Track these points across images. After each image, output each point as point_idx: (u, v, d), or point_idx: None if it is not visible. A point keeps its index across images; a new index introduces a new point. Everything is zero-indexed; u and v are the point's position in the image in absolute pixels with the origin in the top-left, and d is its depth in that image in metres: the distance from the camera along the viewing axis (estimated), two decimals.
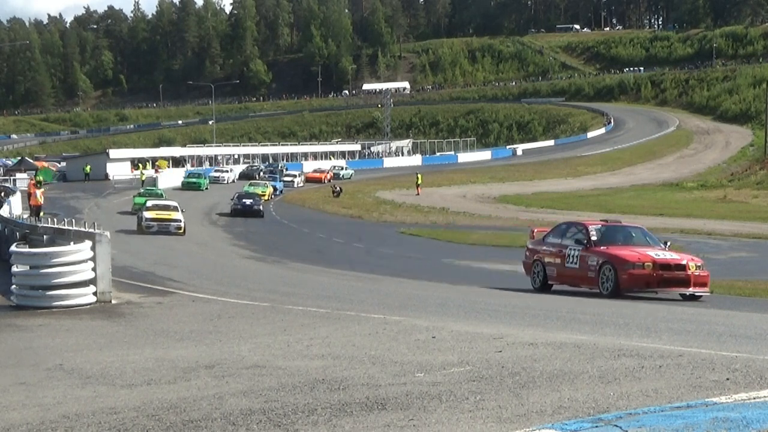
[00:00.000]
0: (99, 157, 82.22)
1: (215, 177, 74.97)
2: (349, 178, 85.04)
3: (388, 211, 55.78)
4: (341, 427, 5.73)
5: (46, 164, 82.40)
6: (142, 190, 52.48)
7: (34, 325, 13.28)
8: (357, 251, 34.98)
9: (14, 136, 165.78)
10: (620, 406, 5.80)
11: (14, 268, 15.91)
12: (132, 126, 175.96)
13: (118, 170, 74.64)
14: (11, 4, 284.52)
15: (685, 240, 40.01)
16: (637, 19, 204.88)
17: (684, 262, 17.66)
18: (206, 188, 67.11)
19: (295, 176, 77.77)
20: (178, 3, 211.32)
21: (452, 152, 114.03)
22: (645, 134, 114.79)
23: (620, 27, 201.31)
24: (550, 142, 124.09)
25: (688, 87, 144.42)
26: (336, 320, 12.52)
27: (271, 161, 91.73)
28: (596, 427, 5.02)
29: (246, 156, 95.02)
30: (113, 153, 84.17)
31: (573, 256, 18.51)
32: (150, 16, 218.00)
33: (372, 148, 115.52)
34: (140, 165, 75.15)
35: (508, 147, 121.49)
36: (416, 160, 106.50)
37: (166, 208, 39.44)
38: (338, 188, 66.13)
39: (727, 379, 6.64)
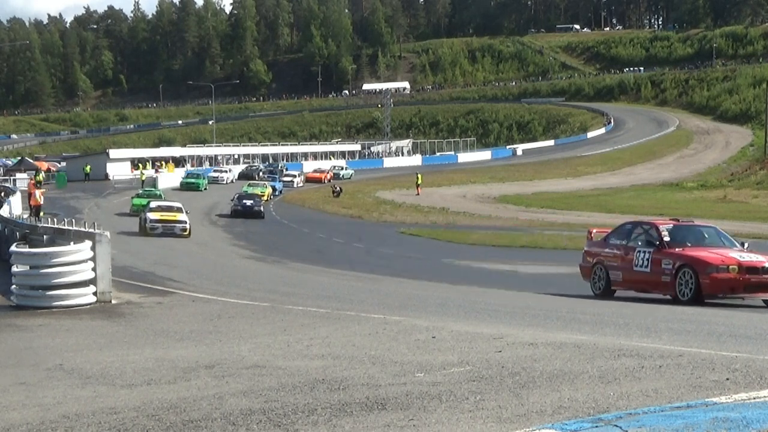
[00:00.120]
0: (99, 157, 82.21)
1: (214, 177, 74.74)
2: (349, 178, 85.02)
3: (388, 211, 55.78)
4: (341, 427, 5.73)
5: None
6: (140, 191, 51.97)
7: (34, 325, 13.29)
8: (357, 251, 34.98)
9: (14, 136, 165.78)
10: (620, 406, 5.80)
11: (14, 268, 15.92)
12: (132, 126, 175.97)
13: (118, 170, 74.61)
14: (11, 4, 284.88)
15: None
16: (637, 19, 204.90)
17: None
18: (205, 188, 66.75)
19: (294, 176, 77.54)
20: (178, 3, 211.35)
21: (452, 152, 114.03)
22: (645, 134, 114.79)
23: (620, 27, 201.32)
24: (550, 142, 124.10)
25: (688, 87, 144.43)
26: (336, 320, 12.52)
27: (271, 161, 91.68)
28: (596, 427, 5.02)
29: (246, 156, 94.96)
30: (113, 153, 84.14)
31: (642, 259, 16.86)
32: (150, 16, 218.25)
33: (372, 148, 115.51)
34: (140, 165, 75.08)
35: (508, 147, 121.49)
36: (416, 160, 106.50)
37: (170, 209, 38.71)
38: (338, 188, 66.08)
39: (727, 379, 6.64)
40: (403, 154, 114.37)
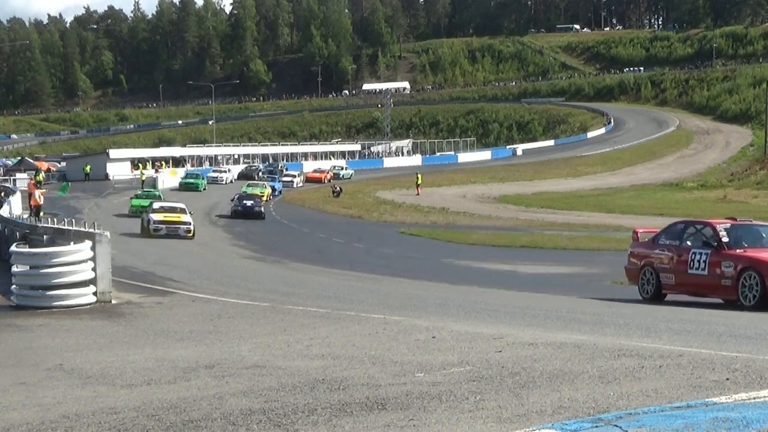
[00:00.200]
0: (99, 157, 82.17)
1: (213, 177, 74.48)
2: (349, 178, 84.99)
3: (388, 211, 55.76)
4: (341, 427, 5.73)
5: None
6: (139, 192, 51.33)
7: (34, 325, 13.29)
8: (357, 251, 34.97)
9: (14, 136, 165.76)
10: (620, 406, 5.80)
11: (14, 268, 15.93)
12: (132, 126, 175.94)
13: (118, 170, 74.59)
14: (11, 4, 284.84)
15: None
16: (637, 19, 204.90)
17: None
18: (204, 189, 66.39)
19: (294, 176, 77.36)
20: (178, 3, 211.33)
21: (452, 152, 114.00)
22: (645, 134, 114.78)
23: (620, 27, 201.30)
24: (550, 142, 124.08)
25: (688, 87, 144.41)
26: (336, 320, 12.53)
27: (271, 161, 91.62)
28: (596, 427, 5.02)
29: (246, 156, 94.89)
30: (113, 153, 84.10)
31: (699, 261, 15.85)
32: (150, 16, 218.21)
33: (372, 148, 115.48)
34: (140, 165, 75.02)
35: (508, 147, 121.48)
36: (416, 160, 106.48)
37: (174, 210, 38.03)
38: (338, 188, 66.03)
39: (727, 379, 6.64)
40: (403, 154, 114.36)
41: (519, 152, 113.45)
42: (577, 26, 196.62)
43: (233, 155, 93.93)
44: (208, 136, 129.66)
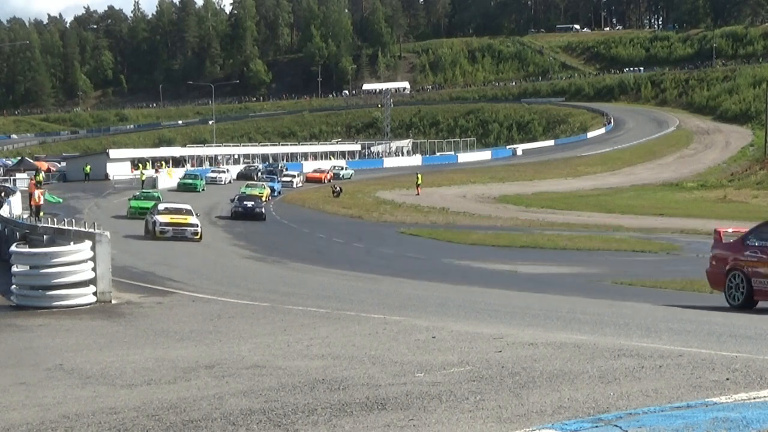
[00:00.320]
0: (99, 157, 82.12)
1: (212, 178, 73.88)
2: (349, 178, 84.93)
3: (388, 211, 55.75)
4: (341, 427, 5.73)
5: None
6: (137, 193, 49.84)
7: (34, 325, 13.29)
8: (357, 251, 34.97)
9: (14, 136, 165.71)
10: (620, 406, 5.80)
11: (14, 268, 15.93)
12: (132, 126, 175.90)
13: (118, 170, 74.52)
14: (11, 4, 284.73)
15: (685, 240, 40.04)
16: (637, 19, 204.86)
17: None
18: (203, 189, 65.75)
19: (294, 176, 77.10)
20: (178, 3, 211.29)
21: (452, 152, 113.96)
22: (645, 134, 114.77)
23: (620, 27, 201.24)
24: (550, 142, 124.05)
25: (688, 87, 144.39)
26: (336, 320, 12.53)
27: (271, 161, 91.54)
28: (596, 427, 5.02)
29: (246, 156, 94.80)
30: (113, 153, 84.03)
31: None
32: (150, 16, 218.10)
33: (372, 148, 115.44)
34: (140, 165, 74.94)
35: (508, 147, 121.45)
36: (416, 160, 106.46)
37: (180, 211, 36.95)
38: (338, 188, 65.94)
39: (727, 379, 6.64)
40: (403, 154, 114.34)
41: (519, 152, 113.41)
42: (577, 26, 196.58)
43: (233, 155, 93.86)
44: (208, 136, 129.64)
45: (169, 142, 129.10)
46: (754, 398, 5.74)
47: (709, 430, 4.82)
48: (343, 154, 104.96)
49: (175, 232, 35.18)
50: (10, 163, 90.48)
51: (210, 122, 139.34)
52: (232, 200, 49.70)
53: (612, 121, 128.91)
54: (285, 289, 19.96)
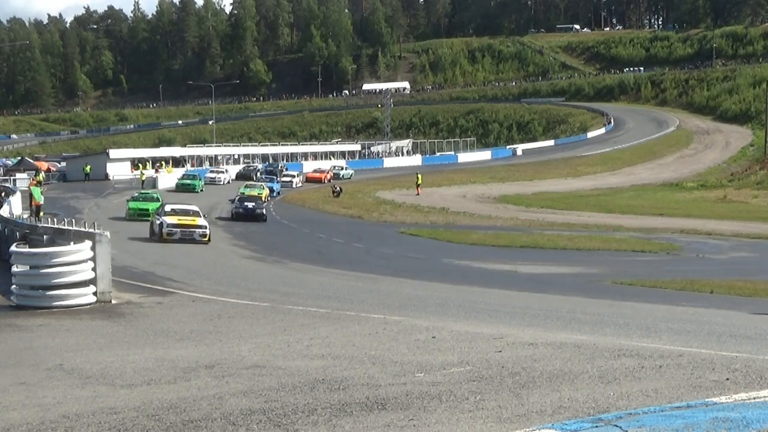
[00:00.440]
0: (99, 157, 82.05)
1: (211, 178, 73.41)
2: (349, 178, 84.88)
3: (388, 211, 55.73)
4: (341, 427, 5.73)
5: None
6: (136, 194, 48.35)
7: (34, 325, 13.29)
8: (357, 251, 34.96)
9: (14, 136, 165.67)
10: (620, 406, 5.80)
11: (14, 268, 15.93)
12: (132, 126, 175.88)
13: (118, 170, 74.46)
14: (11, 4, 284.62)
15: (685, 240, 40.06)
16: (637, 19, 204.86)
17: None
18: (201, 190, 65.21)
19: (293, 176, 76.89)
20: (178, 3, 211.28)
21: (452, 152, 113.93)
22: (645, 134, 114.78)
23: (620, 27, 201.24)
24: (550, 142, 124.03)
25: (688, 87, 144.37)
26: (336, 320, 12.53)
27: (271, 161, 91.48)
28: (596, 427, 5.02)
29: (246, 156, 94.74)
30: (113, 153, 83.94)
31: None
32: (150, 16, 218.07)
33: (372, 148, 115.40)
34: (140, 165, 74.88)
35: (508, 147, 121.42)
36: (416, 160, 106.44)
37: (187, 213, 35.93)
38: (338, 188, 65.87)
39: (727, 379, 6.64)
40: (403, 154, 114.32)
41: (519, 152, 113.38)
42: (577, 26, 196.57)
43: (233, 155, 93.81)
44: (208, 136, 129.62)
45: (169, 142, 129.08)
46: (754, 398, 5.74)
47: (709, 430, 4.82)
48: (343, 154, 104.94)
49: (183, 234, 33.99)
50: (10, 163, 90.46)
51: (210, 122, 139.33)
52: (232, 201, 49.29)
53: (612, 121, 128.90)
54: (285, 289, 19.96)
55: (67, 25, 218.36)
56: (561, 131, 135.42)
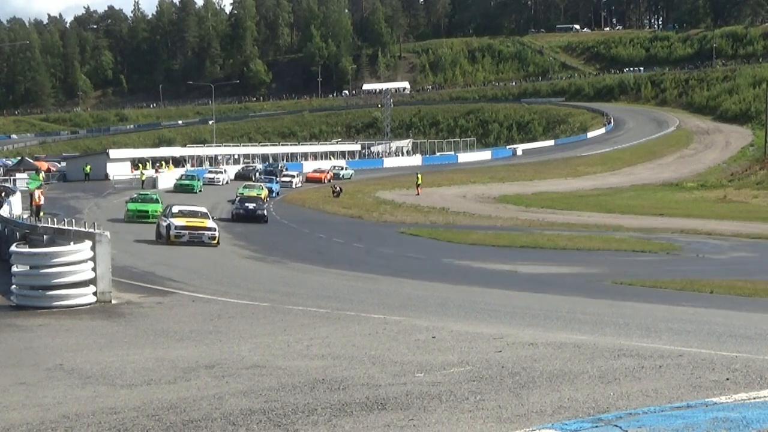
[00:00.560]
0: (99, 157, 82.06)
1: (209, 178, 73.10)
2: (349, 178, 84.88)
3: (388, 211, 55.73)
4: (341, 427, 5.73)
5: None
6: (135, 195, 47.09)
7: (34, 325, 13.29)
8: (357, 251, 34.96)
9: (14, 136, 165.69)
10: (620, 406, 5.80)
11: (14, 268, 15.93)
12: (132, 126, 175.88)
13: (118, 170, 74.45)
14: (11, 4, 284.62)
15: (685, 240, 40.06)
16: (637, 19, 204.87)
17: None
18: (200, 190, 64.89)
19: (293, 177, 76.74)
20: (178, 3, 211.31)
21: (452, 152, 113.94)
22: (645, 134, 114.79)
23: (620, 27, 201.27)
24: (550, 142, 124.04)
25: (688, 87, 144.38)
26: (336, 320, 12.53)
27: (271, 161, 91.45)
28: (596, 427, 5.02)
29: (246, 156, 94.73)
30: (113, 153, 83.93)
31: None
32: (150, 16, 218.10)
33: (372, 148, 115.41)
34: (140, 165, 74.84)
35: (508, 147, 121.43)
36: (416, 160, 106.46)
37: (195, 214, 34.74)
38: (338, 188, 65.85)
39: (727, 379, 6.64)
40: (403, 154, 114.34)
41: (519, 152, 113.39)
42: (577, 26, 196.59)
43: (233, 155, 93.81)
44: (208, 136, 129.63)
45: (169, 142, 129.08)
46: (754, 398, 5.74)
47: (709, 430, 4.82)
48: (343, 154, 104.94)
49: (191, 237, 32.91)
50: (10, 163, 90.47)
51: (210, 122, 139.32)
52: (232, 202, 48.98)
53: (612, 121, 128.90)
54: (285, 289, 19.96)
55: (67, 25, 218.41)
56: (561, 131, 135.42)
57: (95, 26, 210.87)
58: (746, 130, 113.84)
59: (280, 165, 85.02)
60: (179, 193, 61.37)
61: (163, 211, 36.96)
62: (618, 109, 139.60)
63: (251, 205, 46.47)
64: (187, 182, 65.47)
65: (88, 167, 74.90)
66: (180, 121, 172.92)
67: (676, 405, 5.62)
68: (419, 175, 70.86)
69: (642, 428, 4.91)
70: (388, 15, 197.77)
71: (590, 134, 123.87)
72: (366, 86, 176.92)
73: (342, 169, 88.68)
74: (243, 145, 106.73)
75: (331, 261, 30.20)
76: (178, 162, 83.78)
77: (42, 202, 40.06)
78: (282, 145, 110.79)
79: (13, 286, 15.81)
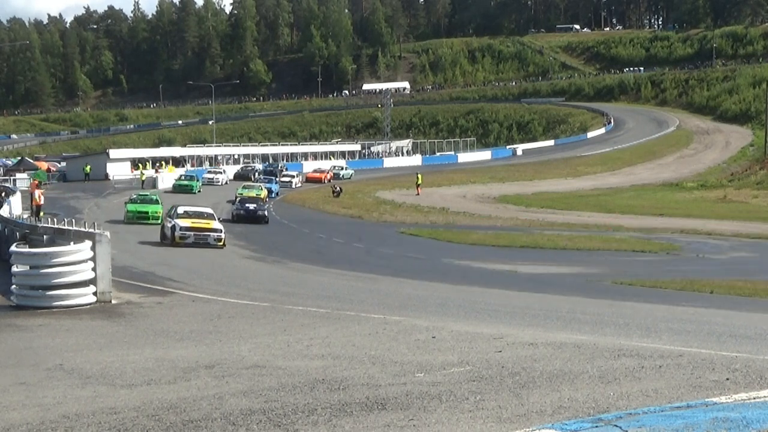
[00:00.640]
0: (99, 157, 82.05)
1: (209, 179, 72.89)
2: (349, 178, 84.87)
3: (388, 211, 55.73)
4: (341, 427, 5.73)
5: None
6: (134, 196, 46.05)
7: (34, 325, 13.29)
8: (357, 251, 34.96)
9: (14, 136, 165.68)
10: (620, 406, 5.80)
11: (14, 268, 15.93)
12: (132, 126, 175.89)
13: (118, 170, 74.44)
14: (11, 4, 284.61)
15: (685, 240, 40.06)
16: (637, 19, 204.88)
17: None
18: (199, 191, 64.73)
19: (292, 177, 76.65)
20: (178, 3, 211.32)
21: (452, 152, 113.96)
22: (645, 134, 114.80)
23: (620, 27, 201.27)
24: (550, 142, 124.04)
25: (688, 87, 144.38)
26: (336, 320, 12.53)
27: (271, 161, 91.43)
28: (596, 427, 5.02)
29: (246, 156, 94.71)
30: (113, 153, 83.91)
31: None
32: (150, 16, 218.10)
33: (372, 148, 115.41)
34: (140, 165, 74.83)
35: (508, 147, 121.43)
36: (416, 160, 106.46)
37: (201, 215, 34.28)
38: (338, 188, 65.83)
39: (727, 379, 6.64)
40: (403, 154, 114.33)
41: (519, 152, 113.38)
42: (577, 26, 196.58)
43: (233, 155, 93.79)
44: (208, 136, 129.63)
45: (169, 142, 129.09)
46: (754, 398, 5.74)
47: (709, 430, 4.82)
48: (343, 154, 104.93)
49: (197, 238, 32.44)
50: (10, 163, 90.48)
51: (210, 122, 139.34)
52: (232, 202, 48.77)
53: (612, 121, 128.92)
54: (285, 289, 19.96)
55: (67, 25, 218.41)
56: (561, 131, 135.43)
57: (95, 26, 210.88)
58: (746, 130, 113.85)
59: (279, 165, 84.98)
60: (178, 193, 61.22)
61: (168, 211, 36.54)
62: (618, 109, 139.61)
63: (252, 206, 46.19)
64: (185, 182, 65.27)
65: (88, 167, 74.88)
66: (180, 121, 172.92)
67: (676, 405, 5.62)
68: (419, 175, 70.85)
69: (642, 428, 4.91)
70: (388, 15, 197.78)
71: (590, 134, 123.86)
72: (366, 86, 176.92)
73: (342, 169, 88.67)
74: (243, 145, 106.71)
75: (331, 261, 30.20)
76: (178, 162, 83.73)
77: (42, 202, 40.05)
78: (282, 145, 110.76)
79: (13, 286, 15.81)
